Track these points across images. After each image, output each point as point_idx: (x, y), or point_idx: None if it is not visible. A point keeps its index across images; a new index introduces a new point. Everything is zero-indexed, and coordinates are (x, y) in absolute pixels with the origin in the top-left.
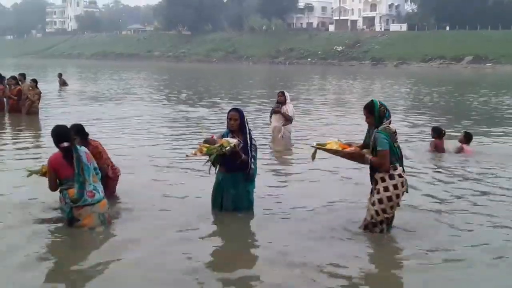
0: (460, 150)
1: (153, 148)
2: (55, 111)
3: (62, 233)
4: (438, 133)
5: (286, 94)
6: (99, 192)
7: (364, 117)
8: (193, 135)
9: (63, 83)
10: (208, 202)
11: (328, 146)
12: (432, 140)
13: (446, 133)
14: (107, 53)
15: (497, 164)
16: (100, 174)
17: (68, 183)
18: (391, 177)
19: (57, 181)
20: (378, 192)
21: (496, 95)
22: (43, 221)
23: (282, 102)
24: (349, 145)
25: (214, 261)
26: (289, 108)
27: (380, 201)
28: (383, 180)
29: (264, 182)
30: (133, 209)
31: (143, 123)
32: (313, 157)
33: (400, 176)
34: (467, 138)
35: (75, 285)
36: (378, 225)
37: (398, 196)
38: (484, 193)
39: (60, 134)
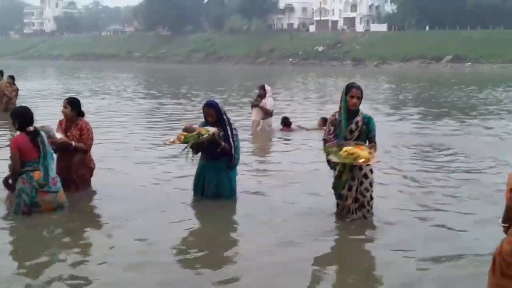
0: (283, 130)
1: (131, 138)
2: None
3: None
4: (285, 122)
5: (267, 87)
6: (59, 181)
7: (354, 99)
8: (173, 125)
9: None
10: (189, 190)
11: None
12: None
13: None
14: (87, 54)
15: None
16: (54, 160)
17: (33, 165)
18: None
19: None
20: (367, 177)
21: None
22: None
23: (262, 95)
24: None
25: (196, 243)
26: (267, 102)
27: (371, 184)
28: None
29: (241, 173)
30: (111, 197)
31: (122, 117)
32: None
33: None
34: (285, 122)
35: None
36: (371, 210)
37: None
38: None
39: (27, 116)
